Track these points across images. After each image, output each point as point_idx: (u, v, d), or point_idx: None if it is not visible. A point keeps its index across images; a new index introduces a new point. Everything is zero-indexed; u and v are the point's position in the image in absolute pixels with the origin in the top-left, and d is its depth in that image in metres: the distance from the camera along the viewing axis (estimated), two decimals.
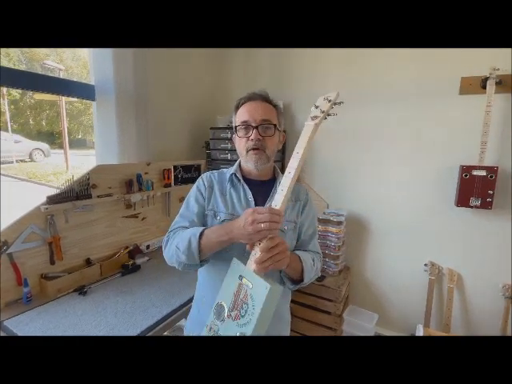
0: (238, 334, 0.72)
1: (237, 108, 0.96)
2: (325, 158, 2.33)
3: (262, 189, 0.97)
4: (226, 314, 0.78)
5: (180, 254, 0.86)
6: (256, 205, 0.94)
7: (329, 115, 0.76)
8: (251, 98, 0.93)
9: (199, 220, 0.95)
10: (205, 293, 0.97)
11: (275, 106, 0.96)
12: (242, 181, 0.96)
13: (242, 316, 0.73)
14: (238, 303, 0.75)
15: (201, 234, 0.83)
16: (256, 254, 0.74)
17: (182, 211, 0.98)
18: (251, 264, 0.75)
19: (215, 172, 1.03)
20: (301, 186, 1.04)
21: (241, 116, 0.92)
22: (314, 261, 0.95)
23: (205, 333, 0.82)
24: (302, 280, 0.90)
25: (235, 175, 0.97)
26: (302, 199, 1.01)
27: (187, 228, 0.92)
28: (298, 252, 0.93)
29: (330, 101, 0.75)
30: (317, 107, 0.76)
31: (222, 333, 0.76)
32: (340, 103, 0.76)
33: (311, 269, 0.91)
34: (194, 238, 0.82)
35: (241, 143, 0.92)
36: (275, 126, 0.92)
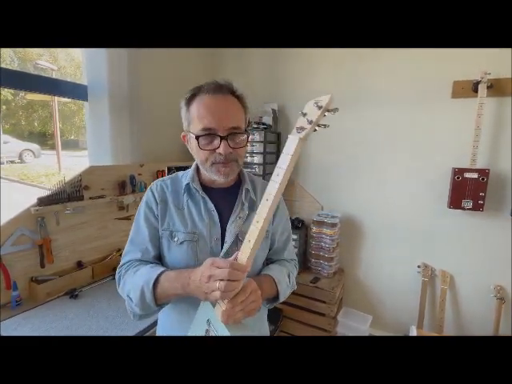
0: None
1: (190, 101, 0.74)
2: (319, 160, 2.34)
3: (226, 197, 0.81)
4: None
5: (133, 306, 0.72)
6: (220, 217, 0.78)
7: (319, 126, 0.58)
8: (210, 90, 0.72)
9: (153, 246, 0.79)
10: (169, 327, 0.85)
11: (241, 100, 0.77)
12: (200, 191, 0.79)
13: None
14: None
15: (155, 281, 0.69)
16: (224, 301, 0.62)
17: (132, 235, 0.81)
18: (219, 312, 0.63)
19: (167, 179, 0.85)
20: None
21: (200, 119, 0.71)
22: (289, 277, 0.86)
23: None
24: (277, 299, 0.83)
25: (192, 185, 0.80)
26: None
27: (140, 261, 0.78)
28: (272, 272, 0.82)
29: (320, 107, 0.55)
30: (304, 115, 0.58)
31: None
32: (334, 110, 0.57)
33: (287, 287, 0.84)
34: (147, 289, 0.68)
35: (203, 154, 0.73)
36: (247, 133, 0.76)
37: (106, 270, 1.66)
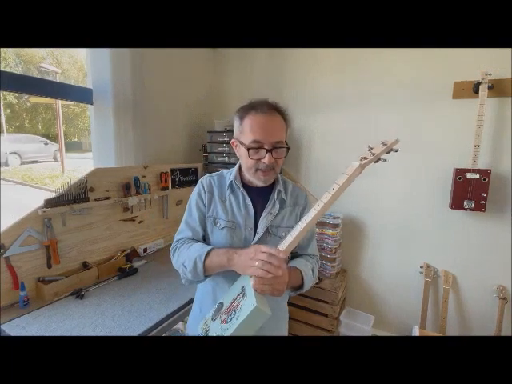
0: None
1: (243, 116, 0.88)
2: (321, 160, 2.35)
3: (261, 194, 0.96)
4: (220, 314, 0.80)
5: (187, 273, 0.90)
6: (255, 211, 0.93)
7: (379, 159, 0.72)
8: (263, 110, 0.87)
9: (202, 228, 0.97)
10: (206, 293, 0.99)
11: (285, 117, 0.93)
12: (241, 188, 0.95)
13: (228, 322, 0.74)
14: (231, 308, 0.77)
15: (206, 255, 0.85)
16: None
17: (186, 217, 1.00)
18: (252, 280, 0.77)
19: (214, 175, 1.02)
20: (300, 190, 1.05)
21: (251, 133, 0.85)
22: (313, 270, 0.97)
23: (200, 325, 0.86)
24: (301, 289, 0.93)
25: (235, 182, 0.96)
26: (300, 204, 1.01)
27: (191, 239, 0.96)
28: (299, 265, 0.93)
29: (385, 145, 0.70)
30: (370, 149, 0.73)
31: (211, 330, 0.79)
32: (396, 150, 0.71)
33: (310, 280, 0.94)
34: (199, 260, 0.85)
35: (249, 161, 0.88)
36: (287, 146, 0.90)
37: (111, 270, 1.67)
